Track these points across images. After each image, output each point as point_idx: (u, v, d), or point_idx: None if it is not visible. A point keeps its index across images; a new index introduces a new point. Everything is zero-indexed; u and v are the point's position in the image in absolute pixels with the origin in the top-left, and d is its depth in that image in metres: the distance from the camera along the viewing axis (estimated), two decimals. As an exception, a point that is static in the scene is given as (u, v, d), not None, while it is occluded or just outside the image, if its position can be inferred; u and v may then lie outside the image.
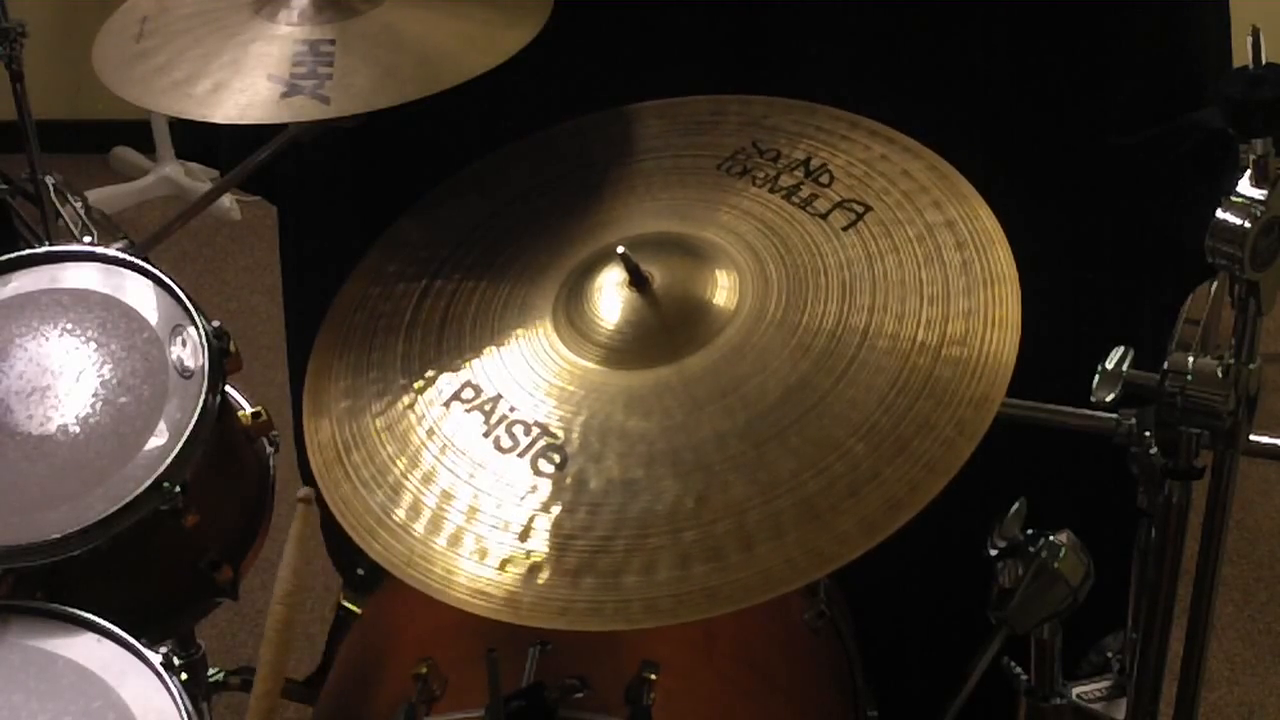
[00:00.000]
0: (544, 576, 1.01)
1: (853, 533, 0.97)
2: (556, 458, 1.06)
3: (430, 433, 1.11)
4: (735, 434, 1.04)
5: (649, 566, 0.99)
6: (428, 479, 1.09)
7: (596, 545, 1.01)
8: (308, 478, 1.16)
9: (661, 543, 1.00)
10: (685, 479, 1.02)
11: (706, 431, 1.04)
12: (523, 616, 1.00)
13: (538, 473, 1.06)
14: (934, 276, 1.10)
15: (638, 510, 1.02)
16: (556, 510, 1.04)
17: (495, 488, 1.06)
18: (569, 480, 1.05)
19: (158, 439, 1.30)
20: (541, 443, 1.07)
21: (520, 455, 1.07)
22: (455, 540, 1.04)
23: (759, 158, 1.25)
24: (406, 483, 1.09)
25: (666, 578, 0.98)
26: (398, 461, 1.10)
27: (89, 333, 1.36)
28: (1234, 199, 0.95)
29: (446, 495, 1.07)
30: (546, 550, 1.02)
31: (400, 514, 1.07)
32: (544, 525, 1.03)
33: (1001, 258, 1.11)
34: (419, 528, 1.06)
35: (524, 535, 1.03)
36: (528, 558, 1.02)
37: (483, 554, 1.03)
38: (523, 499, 1.05)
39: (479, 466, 1.08)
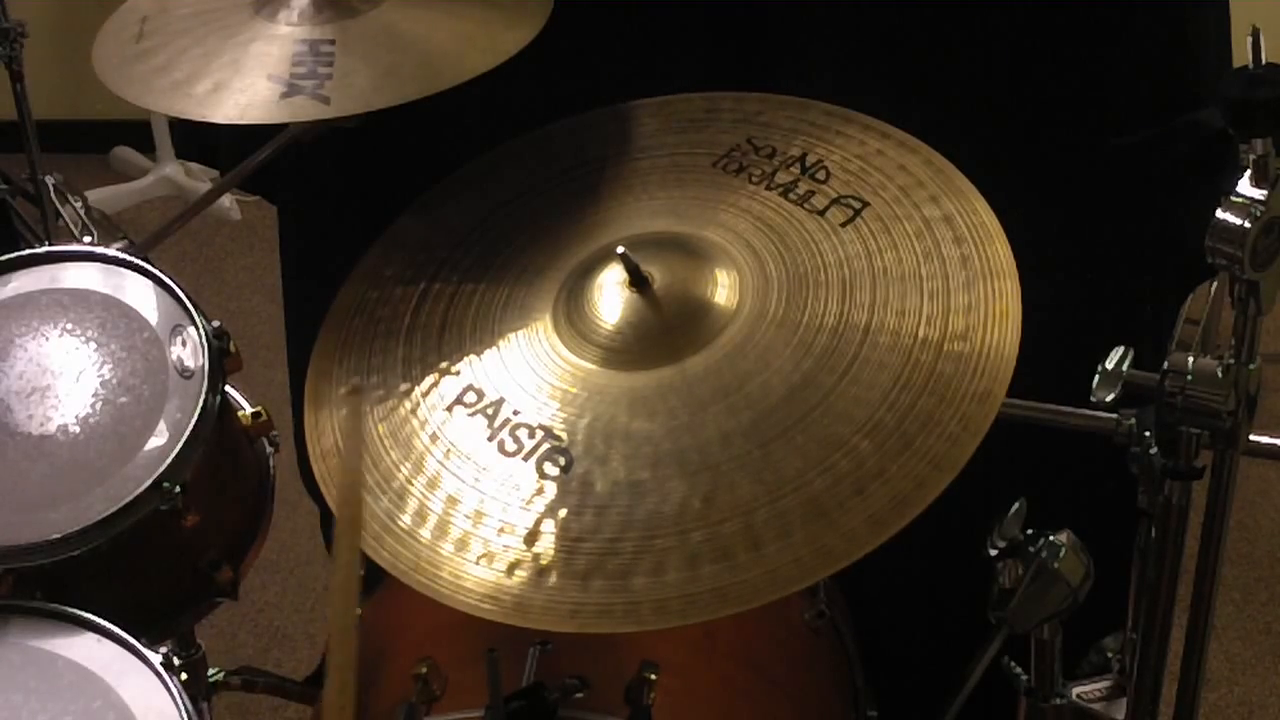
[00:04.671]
0: (553, 580, 1.00)
1: (860, 531, 0.97)
2: (562, 460, 1.06)
3: (434, 438, 1.11)
4: (740, 433, 1.03)
5: (658, 568, 0.99)
6: (433, 484, 1.08)
7: (604, 547, 1.01)
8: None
9: (669, 544, 1.00)
10: (691, 479, 1.02)
11: (711, 431, 1.04)
12: (533, 620, 1.00)
13: (543, 476, 1.05)
14: (933, 272, 1.10)
15: (645, 512, 1.01)
16: (563, 513, 1.03)
17: (501, 492, 1.06)
18: (575, 483, 1.04)
19: (158, 439, 1.29)
20: (546, 446, 1.07)
21: (525, 459, 1.07)
22: (462, 545, 1.04)
23: (755, 155, 1.24)
24: (411, 488, 1.08)
25: (675, 579, 0.98)
26: (402, 467, 1.10)
27: (89, 333, 1.36)
28: (1234, 199, 0.95)
29: (452, 500, 1.07)
30: (554, 553, 1.02)
31: (406, 520, 1.07)
32: (551, 528, 1.03)
33: (1000, 252, 1.10)
34: (425, 533, 1.06)
35: (531, 539, 1.03)
36: (536, 561, 1.01)
37: (490, 558, 1.02)
38: (529, 502, 1.04)
39: (484, 470, 1.07)
